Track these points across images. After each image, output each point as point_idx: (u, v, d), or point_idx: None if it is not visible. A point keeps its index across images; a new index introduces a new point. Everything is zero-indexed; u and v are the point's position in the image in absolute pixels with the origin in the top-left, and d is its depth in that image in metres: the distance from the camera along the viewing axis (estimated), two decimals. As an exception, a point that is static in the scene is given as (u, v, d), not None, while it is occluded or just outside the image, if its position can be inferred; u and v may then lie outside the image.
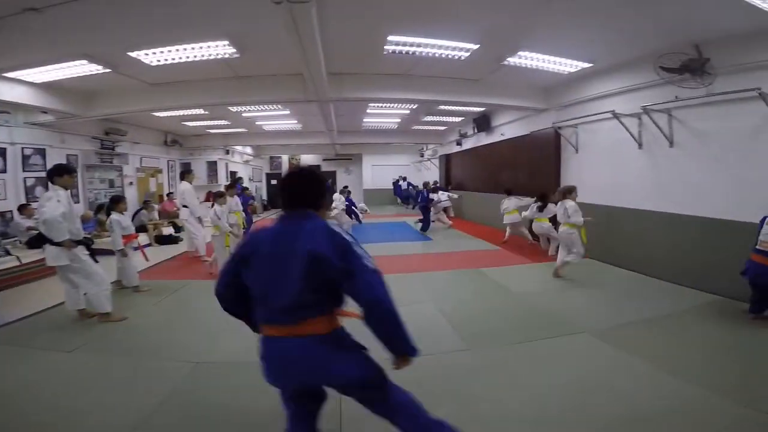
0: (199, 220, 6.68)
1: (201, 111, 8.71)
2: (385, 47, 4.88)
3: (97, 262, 3.82)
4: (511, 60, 5.19)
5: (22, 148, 6.57)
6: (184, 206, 6.78)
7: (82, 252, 3.63)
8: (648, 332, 3.27)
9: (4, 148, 6.27)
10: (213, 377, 2.69)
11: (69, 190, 3.67)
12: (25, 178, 6.54)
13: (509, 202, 7.65)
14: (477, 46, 4.70)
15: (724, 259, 4.06)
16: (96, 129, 8.37)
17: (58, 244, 3.45)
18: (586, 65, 5.35)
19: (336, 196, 9.03)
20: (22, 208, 6.31)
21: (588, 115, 5.99)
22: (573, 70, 5.55)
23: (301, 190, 1.53)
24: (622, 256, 5.59)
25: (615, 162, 5.81)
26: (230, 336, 3.31)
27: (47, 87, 5.66)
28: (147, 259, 5.52)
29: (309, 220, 1.46)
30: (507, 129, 9.03)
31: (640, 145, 5.30)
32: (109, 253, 6.91)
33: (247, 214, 10.71)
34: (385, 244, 7.79)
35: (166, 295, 4.62)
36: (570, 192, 5.09)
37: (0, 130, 6.16)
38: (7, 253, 5.44)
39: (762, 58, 3.59)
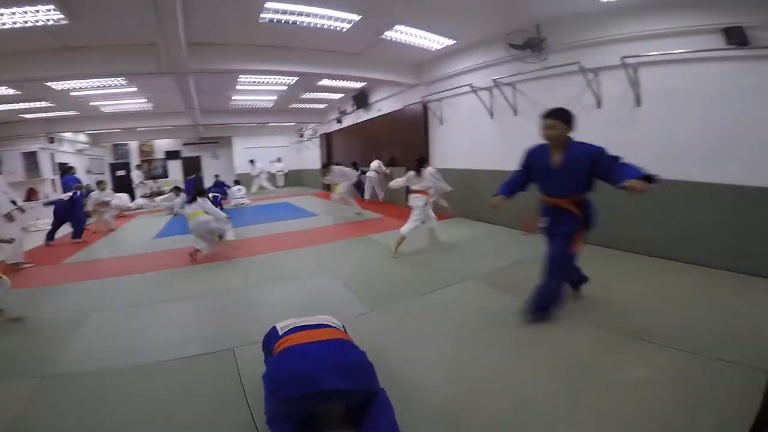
0: (9, 218, 5.24)
1: (10, 91, 6.70)
2: (261, 15, 4.59)
3: None
4: (389, 34, 5.48)
5: None
6: None
7: None
8: (519, 272, 3.84)
9: None
10: (62, 393, 2.22)
11: None
12: None
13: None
14: (359, 17, 4.80)
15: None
16: None
17: None
18: (450, 42, 5.98)
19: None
20: None
21: (450, 89, 6.76)
22: (439, 47, 6.15)
23: None
24: (481, 212, 6.47)
25: (472, 131, 6.68)
26: (80, 342, 2.89)
27: None
28: None
29: None
30: (383, 105, 9.47)
31: (491, 115, 6.21)
32: None
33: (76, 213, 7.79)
34: (272, 224, 7.60)
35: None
36: None
37: None
38: None
39: (583, 37, 4.58)
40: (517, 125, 5.77)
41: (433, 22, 5.27)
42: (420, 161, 5.05)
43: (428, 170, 5.49)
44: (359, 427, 1.67)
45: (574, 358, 2.30)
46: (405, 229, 4.66)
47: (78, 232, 7.17)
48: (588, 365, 2.21)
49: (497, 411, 1.86)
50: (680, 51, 3.80)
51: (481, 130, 6.45)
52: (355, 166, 10.38)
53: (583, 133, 4.74)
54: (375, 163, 9.44)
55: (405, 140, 8.61)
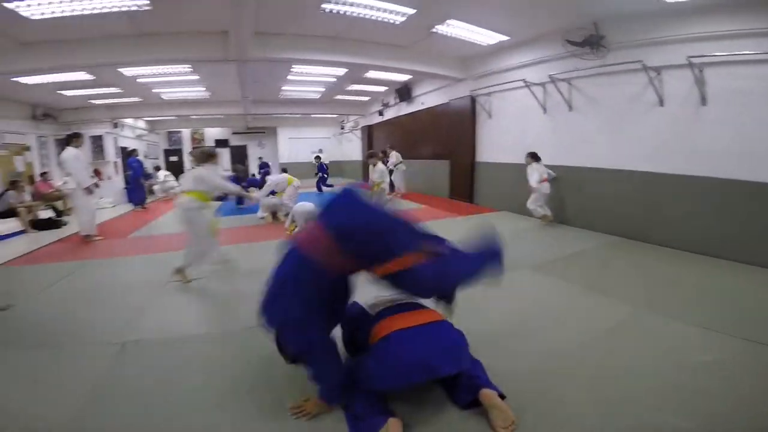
0: (89, 191, 5.74)
1: (87, 76, 7.33)
2: (322, 5, 4.76)
3: None
4: (440, 28, 5.51)
5: None
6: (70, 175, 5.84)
7: None
8: (572, 264, 4.00)
9: None
10: (144, 357, 2.41)
11: None
12: None
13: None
14: (414, 11, 4.88)
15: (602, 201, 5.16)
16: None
17: None
18: (504, 38, 5.93)
19: None
20: None
21: (500, 83, 6.68)
22: (492, 42, 6.12)
23: None
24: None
25: (522, 125, 6.64)
26: (156, 311, 3.13)
27: None
28: None
29: None
30: (427, 98, 9.52)
31: (544, 110, 6.15)
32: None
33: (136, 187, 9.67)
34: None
35: (59, 278, 3.95)
36: None
37: None
38: None
39: (645, 36, 4.46)
40: (572, 121, 5.73)
41: (488, 18, 5.26)
42: None
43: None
44: (450, 385, 1.77)
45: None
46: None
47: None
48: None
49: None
50: (748, 52, 3.68)
51: (533, 125, 6.39)
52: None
53: (643, 129, 4.69)
54: (397, 156, 9.63)
55: (450, 133, 8.62)
